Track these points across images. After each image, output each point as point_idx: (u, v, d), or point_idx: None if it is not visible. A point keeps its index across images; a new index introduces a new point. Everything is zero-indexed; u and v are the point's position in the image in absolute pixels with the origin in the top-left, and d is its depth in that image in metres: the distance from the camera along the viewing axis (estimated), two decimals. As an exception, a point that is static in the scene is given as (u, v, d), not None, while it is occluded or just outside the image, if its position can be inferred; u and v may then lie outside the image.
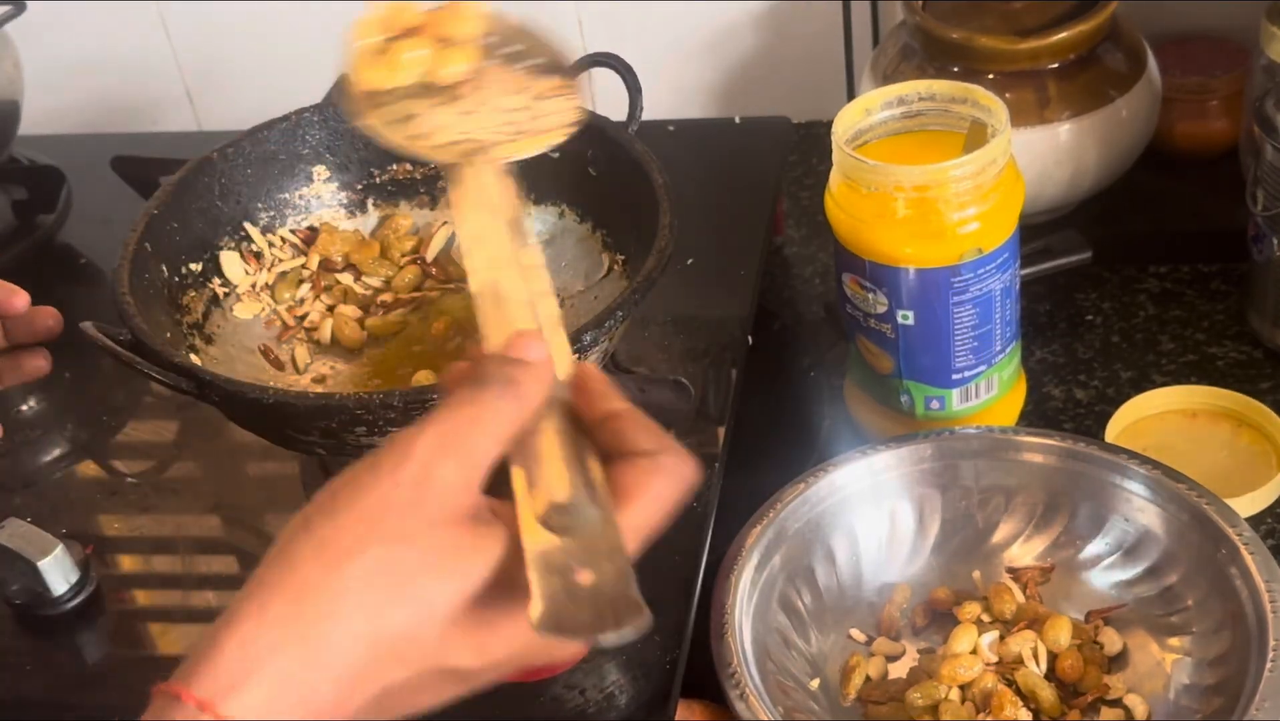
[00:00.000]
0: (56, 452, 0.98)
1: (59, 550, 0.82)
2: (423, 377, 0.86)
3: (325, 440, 0.76)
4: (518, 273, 0.55)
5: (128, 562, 0.89)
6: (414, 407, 0.72)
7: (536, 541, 0.49)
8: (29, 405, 1.03)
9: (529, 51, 0.64)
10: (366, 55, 0.62)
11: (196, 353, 0.85)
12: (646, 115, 1.15)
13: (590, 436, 0.53)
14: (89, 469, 0.96)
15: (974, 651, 0.80)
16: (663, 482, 0.52)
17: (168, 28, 1.33)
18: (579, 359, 0.75)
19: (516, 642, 0.50)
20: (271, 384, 0.86)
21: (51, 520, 0.87)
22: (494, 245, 0.56)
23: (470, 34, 0.63)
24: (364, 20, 0.63)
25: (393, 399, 0.72)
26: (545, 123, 0.63)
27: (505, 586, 0.49)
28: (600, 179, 0.89)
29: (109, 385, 1.01)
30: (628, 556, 0.49)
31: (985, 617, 0.82)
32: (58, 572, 0.82)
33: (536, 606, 0.47)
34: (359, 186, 0.94)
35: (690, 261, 0.99)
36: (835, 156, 0.87)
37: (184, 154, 0.92)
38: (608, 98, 0.91)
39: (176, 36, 1.34)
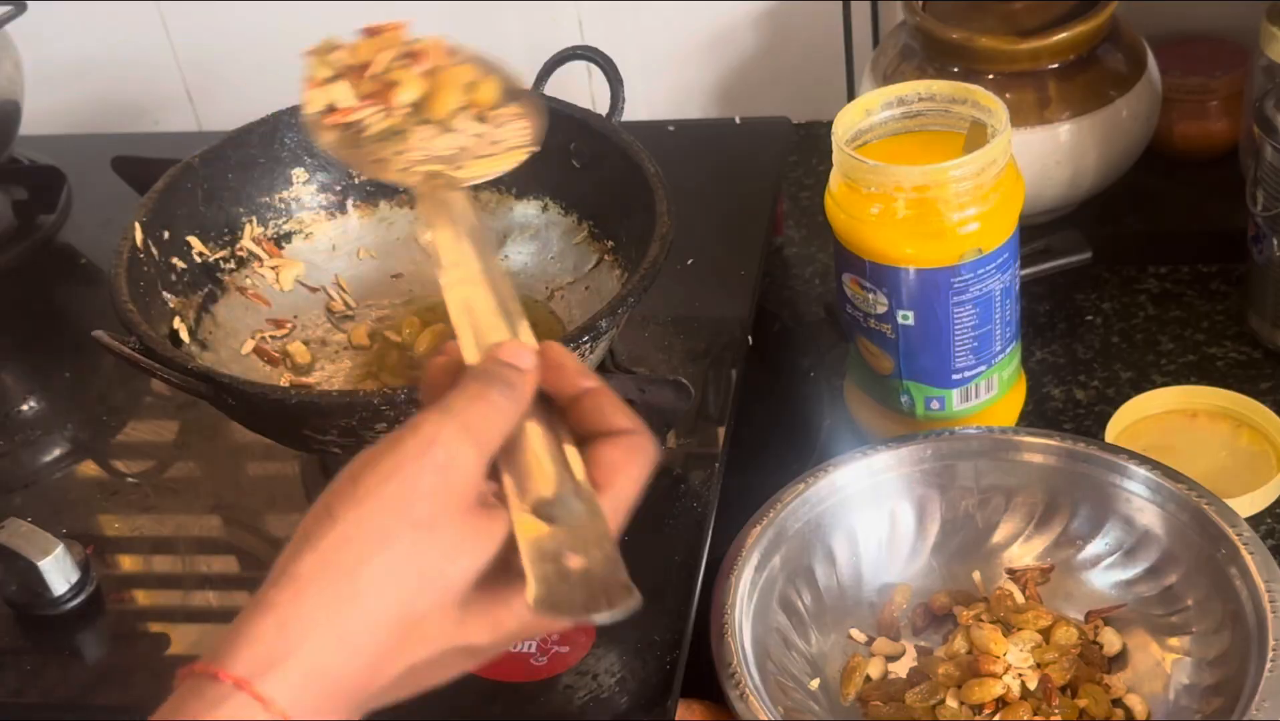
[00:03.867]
0: (57, 452, 0.98)
1: (59, 550, 0.82)
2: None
3: (344, 438, 0.76)
4: (486, 283, 0.58)
5: (128, 562, 0.89)
6: None
7: (528, 531, 0.52)
8: (29, 405, 1.03)
9: (479, 80, 0.69)
10: (318, 85, 0.67)
11: (193, 359, 0.85)
12: (646, 116, 1.15)
13: (564, 416, 0.55)
14: (89, 469, 0.96)
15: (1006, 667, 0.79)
16: (639, 463, 0.54)
17: (168, 28, 1.33)
18: (590, 347, 0.76)
19: (524, 619, 0.52)
20: (278, 384, 0.86)
21: (52, 520, 0.87)
22: (462, 259, 0.59)
23: (420, 65, 0.68)
24: (314, 51, 0.67)
25: (416, 394, 0.72)
26: (502, 146, 0.68)
27: (508, 566, 0.52)
28: (584, 171, 0.89)
29: (109, 385, 1.01)
30: (614, 542, 0.52)
31: (985, 617, 0.82)
32: (58, 572, 0.82)
33: (532, 590, 0.50)
34: (338, 188, 0.95)
35: (690, 261, 1.00)
36: (835, 156, 0.88)
37: (184, 154, 0.92)
38: (601, 92, 0.91)
39: (176, 36, 1.34)
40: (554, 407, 0.56)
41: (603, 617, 0.50)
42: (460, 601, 0.52)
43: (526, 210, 0.93)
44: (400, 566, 0.50)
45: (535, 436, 0.54)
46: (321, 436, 0.76)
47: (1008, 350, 0.92)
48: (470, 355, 0.56)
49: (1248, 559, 0.77)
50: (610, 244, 0.89)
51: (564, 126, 0.90)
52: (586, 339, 0.75)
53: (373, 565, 0.50)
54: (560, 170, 0.90)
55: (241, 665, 0.49)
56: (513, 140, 0.68)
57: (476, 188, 0.93)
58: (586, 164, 0.89)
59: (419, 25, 1.35)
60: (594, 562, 0.51)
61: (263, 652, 0.49)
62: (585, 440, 0.55)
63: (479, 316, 0.57)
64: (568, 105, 0.90)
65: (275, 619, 0.49)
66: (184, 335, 0.86)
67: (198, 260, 0.90)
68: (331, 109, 0.67)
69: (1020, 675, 0.78)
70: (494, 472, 0.54)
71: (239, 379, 0.76)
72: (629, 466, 0.54)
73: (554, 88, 0.93)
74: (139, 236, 0.85)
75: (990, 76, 1.02)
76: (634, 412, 0.55)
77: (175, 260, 0.89)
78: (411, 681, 0.53)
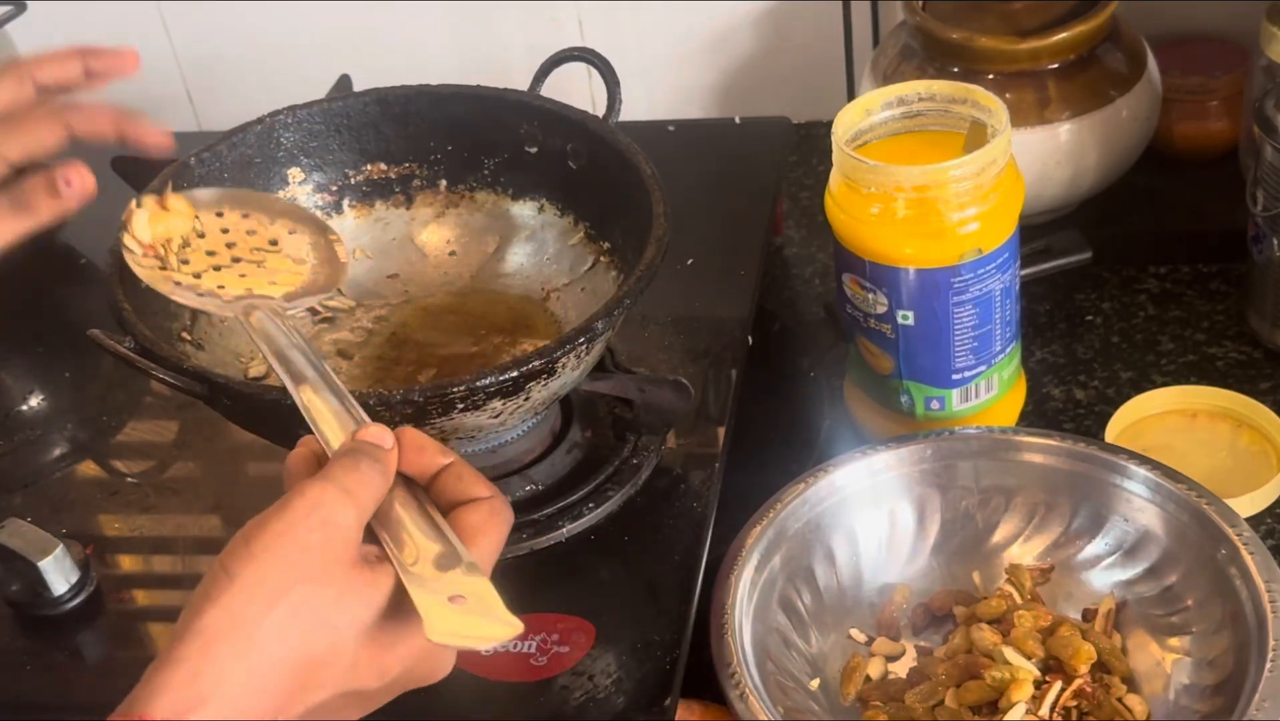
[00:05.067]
0: (56, 452, 0.98)
1: (59, 550, 0.82)
2: (423, 377, 0.87)
3: None
4: (327, 387, 0.67)
5: (128, 562, 0.89)
6: (433, 403, 0.72)
7: (413, 577, 0.58)
8: (29, 405, 1.03)
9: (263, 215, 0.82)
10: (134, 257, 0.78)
11: (189, 359, 0.85)
12: (646, 116, 1.15)
13: (428, 493, 0.62)
14: (89, 469, 0.96)
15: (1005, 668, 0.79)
16: (498, 525, 0.61)
17: (168, 28, 1.33)
18: (586, 349, 0.76)
19: (408, 660, 0.59)
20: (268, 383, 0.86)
21: (51, 520, 0.87)
22: (305, 369, 0.68)
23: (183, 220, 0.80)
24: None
25: (413, 394, 0.72)
26: (305, 265, 0.80)
27: (393, 617, 0.58)
28: (581, 172, 0.89)
29: (109, 385, 1.01)
30: (489, 583, 0.58)
31: (984, 618, 0.82)
32: (58, 572, 0.82)
33: (427, 622, 0.56)
34: (334, 188, 0.94)
35: (690, 261, 1.00)
36: (835, 156, 0.88)
37: (184, 154, 0.92)
38: (602, 93, 0.91)
39: (176, 36, 1.34)
40: (417, 485, 0.62)
41: (490, 644, 0.57)
42: (352, 648, 0.57)
43: (523, 211, 0.93)
44: (296, 615, 0.56)
45: (404, 505, 0.61)
46: None
47: (1008, 350, 0.92)
48: (336, 444, 0.63)
49: (1248, 559, 0.77)
50: (607, 245, 0.89)
51: (561, 128, 0.90)
52: (582, 340, 0.75)
53: (272, 616, 0.55)
54: (557, 171, 0.90)
55: (163, 710, 0.53)
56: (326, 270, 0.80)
57: (473, 188, 0.94)
58: (583, 165, 0.89)
59: (420, 27, 1.35)
60: (474, 600, 0.57)
61: (181, 699, 0.54)
62: (447, 510, 0.61)
63: (331, 412, 0.65)
64: (564, 106, 0.90)
65: (189, 669, 0.54)
66: (178, 335, 0.86)
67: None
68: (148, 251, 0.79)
69: (1020, 675, 0.78)
70: (370, 537, 0.60)
71: (234, 379, 0.76)
72: (490, 528, 0.60)
73: (554, 89, 0.93)
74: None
75: (990, 76, 1.02)
76: (489, 482, 0.62)
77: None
78: None
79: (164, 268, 0.78)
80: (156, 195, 0.81)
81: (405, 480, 0.62)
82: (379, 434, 0.62)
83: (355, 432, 0.62)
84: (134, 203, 0.81)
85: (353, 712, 0.59)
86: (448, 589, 0.57)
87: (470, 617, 0.56)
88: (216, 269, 0.78)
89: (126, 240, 0.79)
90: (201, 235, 0.80)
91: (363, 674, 0.58)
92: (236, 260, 0.79)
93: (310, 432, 0.64)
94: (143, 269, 0.78)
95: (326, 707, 0.57)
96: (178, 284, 0.77)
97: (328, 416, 0.65)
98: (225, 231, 0.81)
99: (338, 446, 0.62)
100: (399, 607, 0.58)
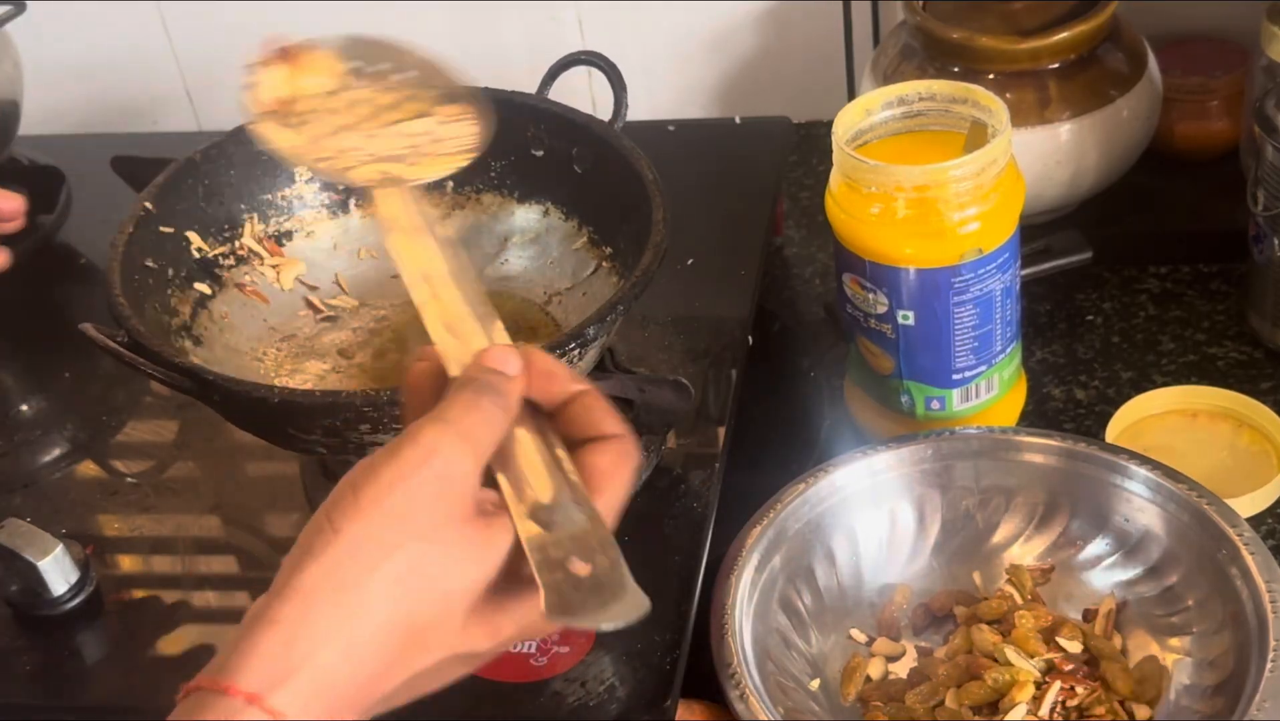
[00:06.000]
0: (56, 452, 0.98)
1: (59, 550, 0.82)
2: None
3: (328, 438, 0.76)
4: (456, 285, 0.58)
5: (128, 562, 0.89)
6: None
7: (533, 538, 0.52)
8: (29, 405, 1.03)
9: (410, 74, 0.69)
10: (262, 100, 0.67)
11: (185, 355, 0.85)
12: (647, 115, 1.15)
13: (553, 421, 0.56)
14: (89, 469, 0.96)
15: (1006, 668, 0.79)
16: (627, 468, 0.55)
17: (168, 28, 1.33)
18: (579, 354, 0.75)
19: (523, 624, 0.53)
20: (274, 383, 0.86)
21: (51, 520, 0.87)
22: (430, 262, 0.59)
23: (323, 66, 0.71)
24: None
25: (399, 395, 0.72)
26: (446, 146, 0.66)
27: (511, 573, 0.53)
28: (586, 176, 0.89)
29: (109, 385, 1.01)
30: (616, 547, 0.52)
31: (985, 618, 0.82)
32: (58, 572, 0.82)
33: (546, 597, 0.50)
34: (341, 186, 0.94)
35: (690, 261, 1.00)
36: (835, 156, 0.87)
37: (184, 154, 0.92)
38: (601, 93, 0.91)
39: (176, 36, 1.34)
40: (542, 413, 0.56)
41: (614, 623, 0.50)
42: (463, 611, 0.52)
43: (528, 214, 0.93)
44: (404, 576, 0.51)
45: (526, 442, 0.54)
46: (306, 436, 0.76)
47: (1008, 350, 0.92)
48: (454, 364, 0.56)
49: (1248, 559, 0.77)
50: (609, 250, 0.89)
51: (567, 132, 0.90)
52: (574, 345, 0.74)
53: (377, 576, 0.50)
54: (563, 175, 0.90)
55: (252, 680, 0.49)
56: (458, 142, 0.67)
57: (479, 190, 0.94)
58: (588, 169, 0.89)
59: (420, 27, 1.35)
60: (600, 568, 0.51)
61: (272, 667, 0.49)
62: (574, 444, 0.55)
63: (455, 321, 0.57)
64: (572, 110, 0.90)
65: (283, 633, 0.50)
66: (179, 330, 0.86)
67: (196, 256, 0.90)
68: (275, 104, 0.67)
69: (1021, 676, 0.78)
70: (488, 478, 0.54)
71: (222, 376, 0.76)
72: (618, 473, 0.55)
73: (555, 89, 0.93)
74: (136, 230, 0.85)
75: (990, 76, 1.02)
76: (620, 415, 0.56)
77: (170, 256, 0.88)
78: (410, 688, 0.53)
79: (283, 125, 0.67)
80: (290, 50, 0.72)
81: (531, 408, 0.55)
82: (503, 358, 0.55)
83: (478, 355, 0.55)
84: (259, 60, 0.71)
85: (459, 671, 0.54)
86: (569, 549, 0.51)
87: (593, 596, 0.50)
88: (337, 133, 0.66)
89: (248, 100, 0.68)
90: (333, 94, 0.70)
91: (474, 636, 0.52)
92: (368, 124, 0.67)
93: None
94: (264, 126, 0.67)
95: (431, 671, 0.53)
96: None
97: (450, 323, 0.57)
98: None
99: (456, 370, 0.55)
100: (516, 568, 0.52)
